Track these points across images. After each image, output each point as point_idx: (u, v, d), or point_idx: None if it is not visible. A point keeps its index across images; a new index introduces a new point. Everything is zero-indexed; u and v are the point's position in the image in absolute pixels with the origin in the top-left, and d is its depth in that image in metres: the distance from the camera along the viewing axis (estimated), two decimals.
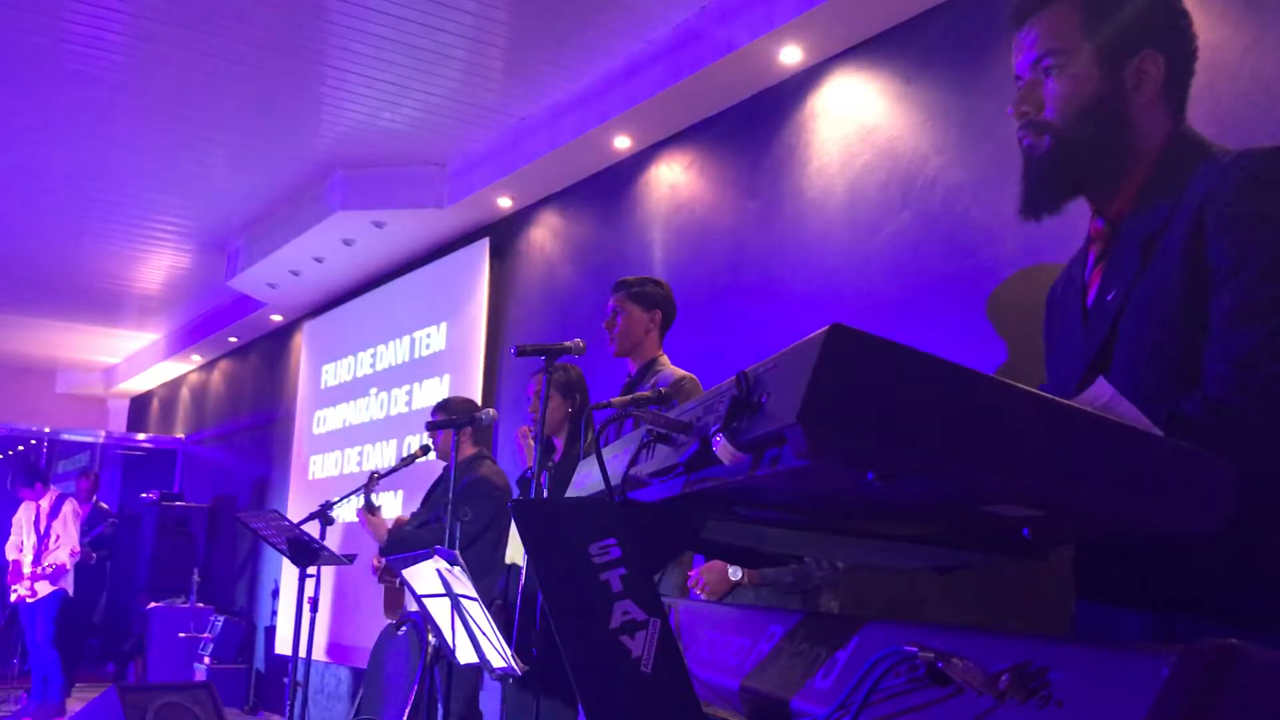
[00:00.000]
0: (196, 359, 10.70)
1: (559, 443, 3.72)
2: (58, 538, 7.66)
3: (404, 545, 4.16)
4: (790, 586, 2.82)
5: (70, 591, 7.67)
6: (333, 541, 4.49)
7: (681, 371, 3.31)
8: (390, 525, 4.31)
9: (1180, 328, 1.16)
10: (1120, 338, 1.21)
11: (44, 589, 7.58)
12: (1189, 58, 1.32)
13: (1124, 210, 1.29)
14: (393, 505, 6.48)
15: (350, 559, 4.47)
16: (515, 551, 3.67)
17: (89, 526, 8.93)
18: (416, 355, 6.75)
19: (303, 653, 4.16)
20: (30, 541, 7.70)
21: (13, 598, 7.71)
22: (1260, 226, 1.14)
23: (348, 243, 6.69)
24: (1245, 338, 1.10)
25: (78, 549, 7.68)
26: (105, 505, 9.74)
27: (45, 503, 7.84)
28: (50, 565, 7.60)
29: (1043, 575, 2.27)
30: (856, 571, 3.10)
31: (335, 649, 7.02)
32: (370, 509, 4.13)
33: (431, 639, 3.33)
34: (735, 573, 2.85)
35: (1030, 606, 2.74)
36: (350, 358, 7.62)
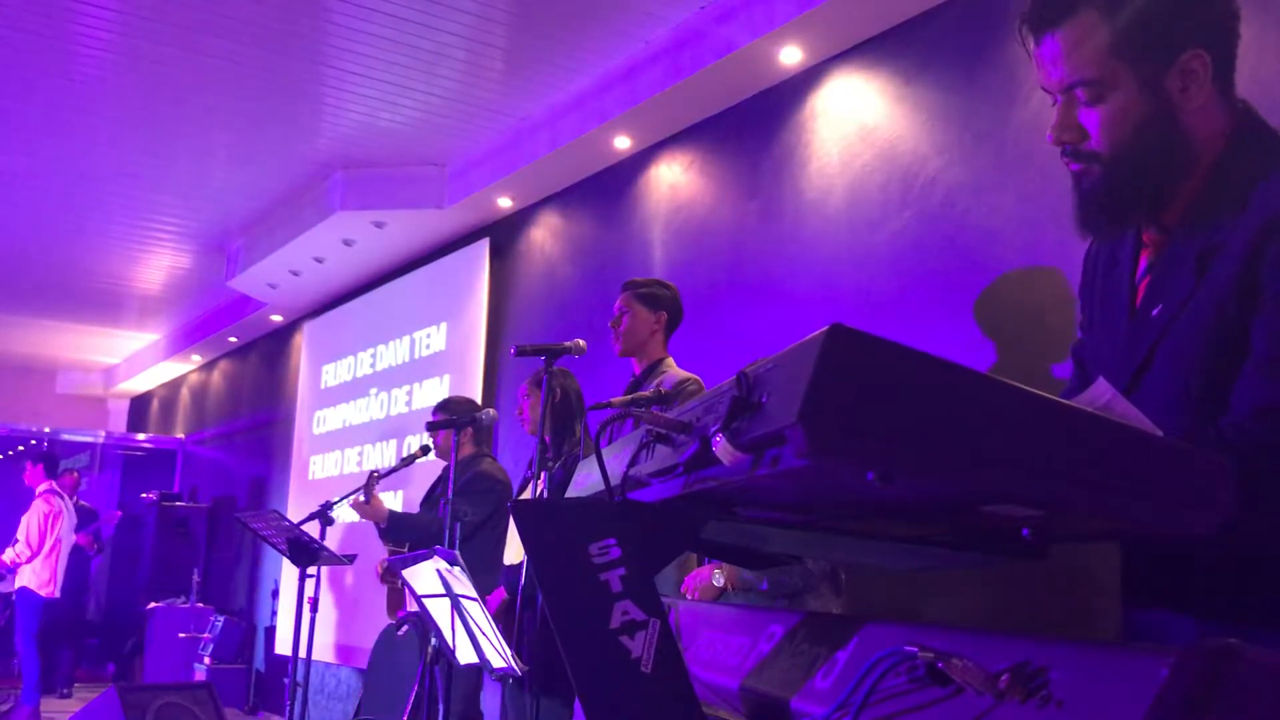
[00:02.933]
0: (196, 359, 10.70)
1: (548, 439, 3.72)
2: (15, 539, 7.71)
3: (406, 527, 4.16)
4: (769, 594, 2.82)
5: (45, 591, 7.64)
6: (333, 541, 4.49)
7: (686, 373, 3.31)
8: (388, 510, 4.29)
9: (1221, 356, 1.10)
10: (1159, 356, 1.15)
11: (13, 583, 7.63)
12: (1233, 38, 1.26)
13: (1178, 218, 1.23)
14: (393, 505, 6.47)
15: (350, 559, 4.47)
16: (515, 551, 3.67)
17: (79, 525, 8.93)
18: (416, 355, 6.75)
19: (303, 653, 4.16)
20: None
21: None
22: None
23: (348, 243, 6.69)
24: (1272, 389, 1.06)
25: (27, 554, 7.64)
26: (86, 504, 9.75)
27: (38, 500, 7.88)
28: (10, 560, 7.64)
29: (1086, 579, 2.26)
30: (856, 571, 3.10)
31: (336, 649, 7.02)
32: (368, 498, 4.12)
33: (432, 639, 3.34)
34: (718, 579, 2.86)
35: (1073, 611, 2.74)
36: (350, 358, 7.62)
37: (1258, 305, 1.08)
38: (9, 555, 7.65)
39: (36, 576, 7.64)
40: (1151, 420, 0.92)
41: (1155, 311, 1.18)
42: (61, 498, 8.07)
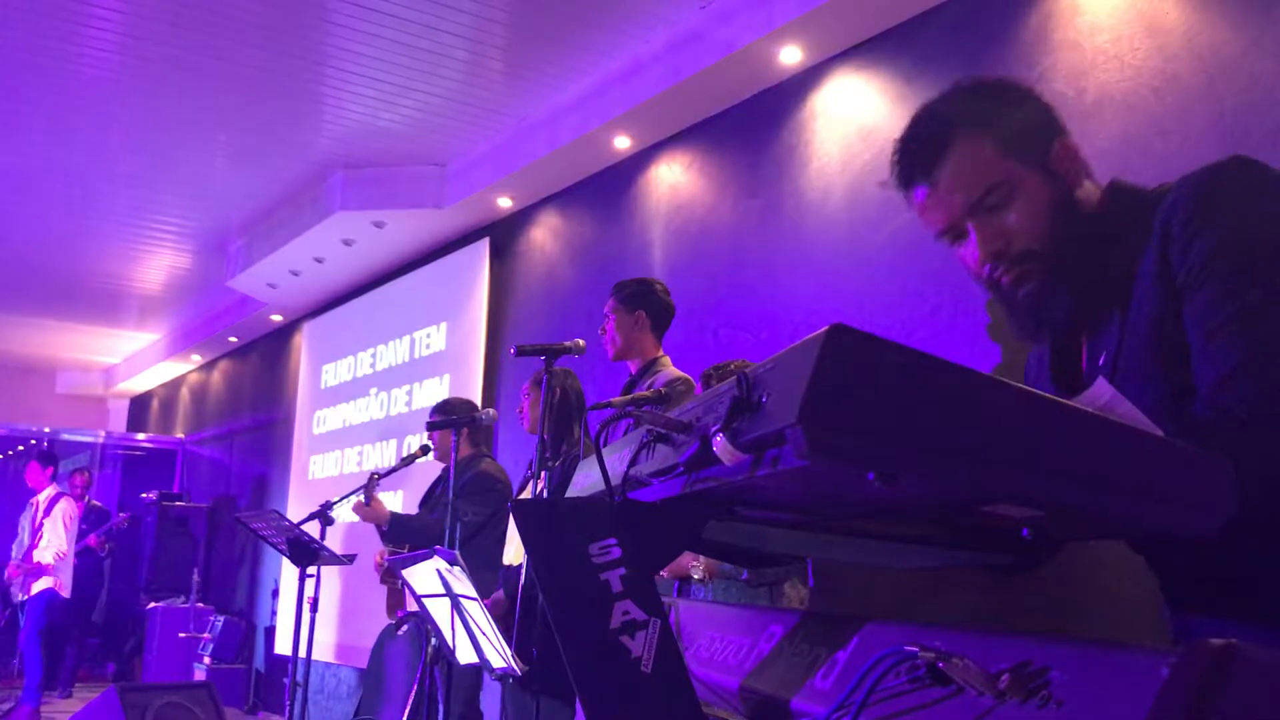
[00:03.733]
0: (196, 359, 10.70)
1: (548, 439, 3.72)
2: (46, 537, 7.68)
3: (407, 530, 4.16)
4: (751, 583, 2.83)
5: (64, 592, 7.66)
6: (333, 541, 4.49)
7: (678, 373, 3.31)
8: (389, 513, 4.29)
9: (1171, 380, 1.15)
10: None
11: (34, 587, 7.60)
12: (1063, 128, 1.33)
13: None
14: (393, 505, 6.47)
15: (350, 559, 4.47)
16: (515, 552, 3.67)
17: (89, 525, 8.95)
18: (416, 355, 6.76)
19: (303, 653, 4.16)
20: (25, 539, 7.73)
21: (19, 597, 7.73)
22: (1219, 231, 1.13)
23: (348, 243, 6.69)
24: (1219, 362, 1.10)
25: (64, 551, 7.66)
26: (99, 504, 9.76)
27: (43, 499, 7.86)
28: (36, 563, 7.62)
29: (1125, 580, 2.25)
30: (856, 570, 3.10)
31: (336, 649, 7.02)
32: (369, 500, 4.12)
33: (432, 639, 3.33)
34: (697, 572, 2.87)
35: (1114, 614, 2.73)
36: (350, 358, 7.62)
37: (1181, 296, 1.13)
38: (49, 555, 7.62)
39: (63, 576, 7.66)
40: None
41: (1101, 360, 1.23)
42: (71, 500, 8.09)
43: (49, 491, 7.92)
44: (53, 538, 7.65)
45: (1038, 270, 1.27)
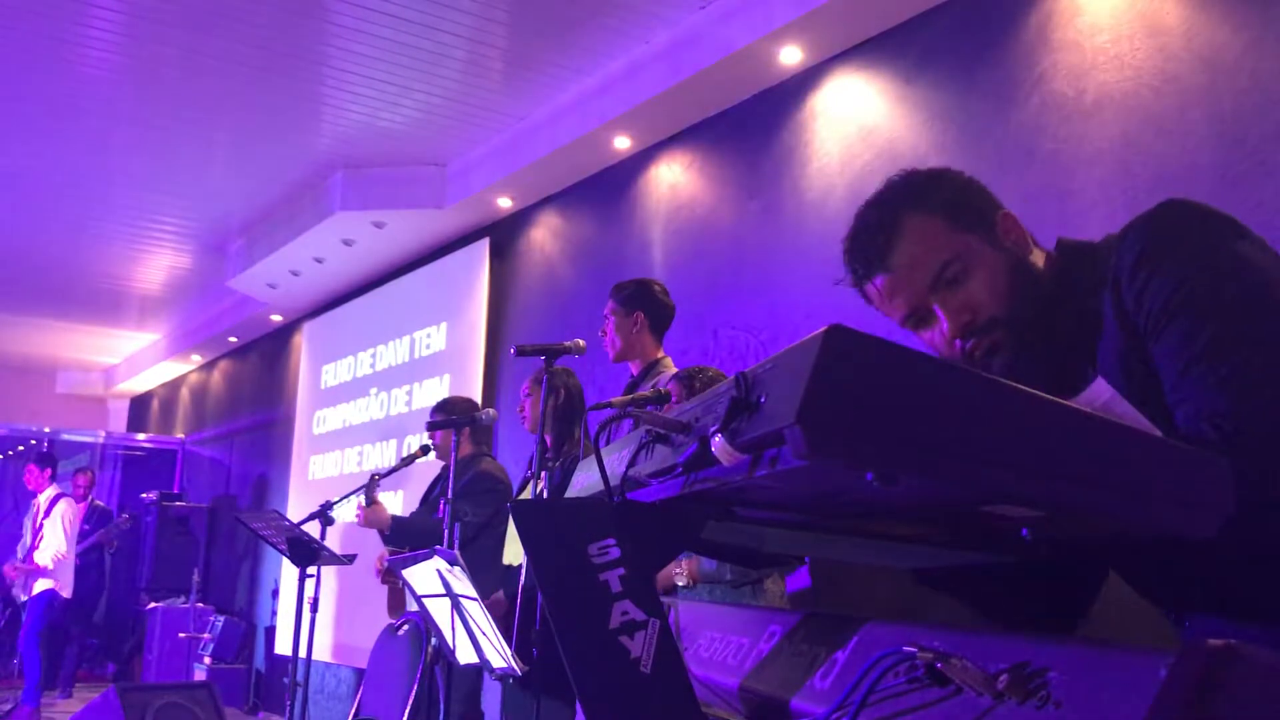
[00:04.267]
0: (196, 359, 10.70)
1: (548, 439, 3.72)
2: (45, 539, 7.69)
3: (409, 533, 4.16)
4: (735, 583, 2.84)
5: (65, 593, 7.67)
6: (333, 541, 4.49)
7: None
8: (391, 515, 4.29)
9: (1139, 390, 1.17)
10: None
11: (34, 588, 7.60)
12: (998, 203, 1.37)
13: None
14: (393, 505, 6.48)
15: (350, 559, 4.47)
16: (516, 552, 3.67)
17: (92, 525, 8.96)
18: (416, 355, 6.76)
19: (303, 653, 4.16)
20: (28, 540, 7.73)
21: (21, 598, 7.73)
22: (1169, 278, 1.16)
23: (348, 243, 6.69)
24: (1195, 398, 1.12)
25: (64, 553, 7.65)
26: (101, 503, 9.76)
27: (44, 500, 7.86)
28: (35, 564, 7.62)
29: None
30: (855, 570, 3.10)
31: (335, 649, 7.02)
32: (370, 502, 4.12)
33: (432, 639, 3.34)
34: (681, 579, 2.88)
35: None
36: (350, 358, 7.62)
37: (1145, 340, 1.16)
38: (48, 557, 7.62)
39: (63, 576, 7.66)
40: None
41: None
42: (71, 500, 8.09)
43: (49, 492, 7.92)
44: (52, 539, 7.66)
45: (1006, 339, 1.30)
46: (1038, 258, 1.34)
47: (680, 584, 2.88)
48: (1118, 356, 1.20)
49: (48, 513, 7.78)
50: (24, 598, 7.67)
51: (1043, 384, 1.29)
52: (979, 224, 1.31)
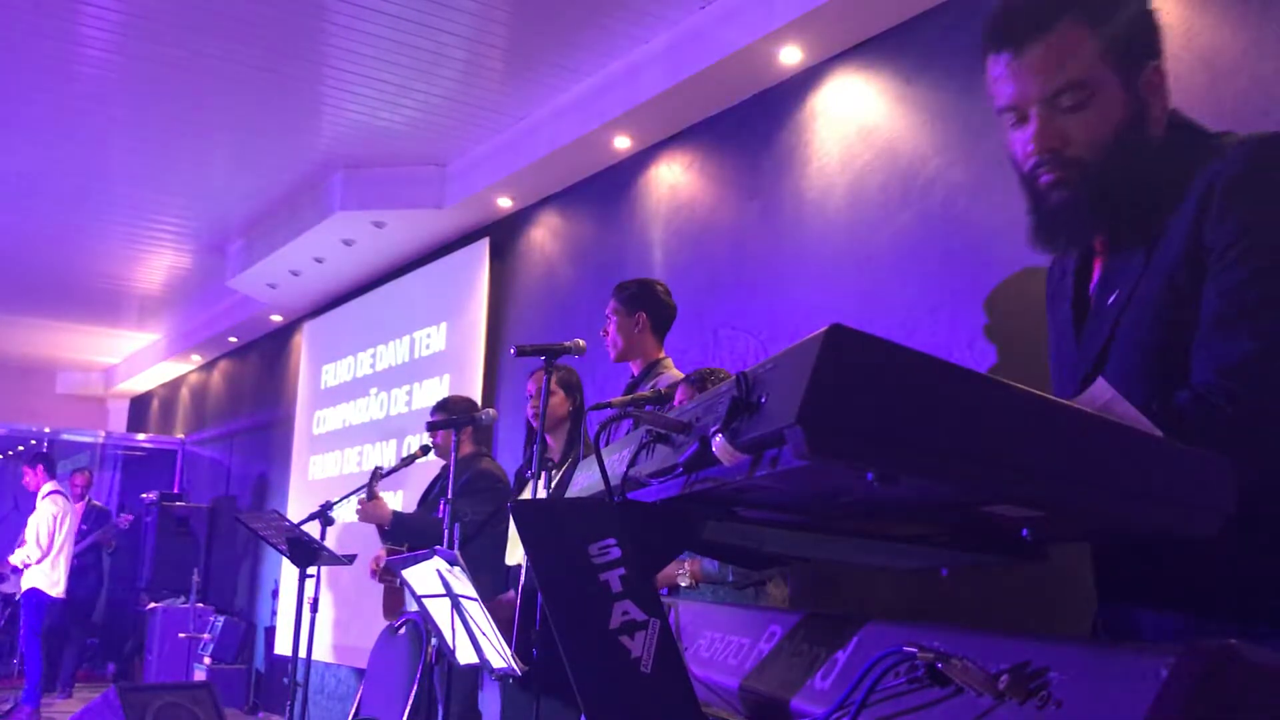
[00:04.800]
0: (196, 359, 10.70)
1: (552, 441, 3.72)
2: (25, 537, 7.71)
3: (408, 530, 4.16)
4: (738, 584, 2.84)
5: (55, 592, 7.65)
6: (333, 541, 4.49)
7: (681, 375, 3.31)
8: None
9: (1174, 325, 1.15)
10: (1117, 339, 1.20)
11: (23, 585, 7.62)
12: (1161, 52, 1.30)
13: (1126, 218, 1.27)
14: (393, 505, 6.47)
15: (350, 559, 4.47)
16: (515, 552, 3.67)
17: (90, 526, 8.95)
18: (416, 355, 6.75)
19: (303, 653, 4.16)
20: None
21: (17, 595, 7.75)
22: (1258, 217, 1.12)
23: (348, 243, 6.69)
24: (1234, 346, 1.09)
25: (42, 553, 7.63)
26: (99, 504, 9.76)
27: (39, 497, 7.88)
28: (8, 562, 7.65)
29: (1059, 577, 2.25)
30: (854, 570, 3.11)
31: (335, 649, 7.02)
32: (371, 496, 4.12)
33: (432, 639, 3.33)
34: (684, 579, 2.88)
35: (1045, 609, 2.74)
36: (350, 358, 7.62)
37: (1205, 271, 1.12)
38: (19, 557, 7.64)
39: (47, 577, 7.65)
40: (1119, 386, 0.94)
41: (1111, 299, 1.22)
42: (66, 498, 8.08)
43: (44, 489, 7.94)
44: (30, 539, 7.67)
45: (1078, 182, 1.25)
46: (1158, 118, 1.28)
47: (683, 584, 2.88)
48: (1171, 264, 1.15)
49: (33, 510, 7.82)
50: (18, 595, 7.70)
51: (1084, 238, 1.26)
52: (1128, 61, 1.25)
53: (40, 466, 8.01)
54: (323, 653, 6.92)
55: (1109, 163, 1.23)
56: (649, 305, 3.44)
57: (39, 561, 7.61)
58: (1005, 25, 1.27)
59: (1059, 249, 1.33)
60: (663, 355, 3.47)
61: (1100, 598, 1.31)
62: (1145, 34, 1.28)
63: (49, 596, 7.63)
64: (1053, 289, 1.40)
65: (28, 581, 7.62)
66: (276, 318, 8.82)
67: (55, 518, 7.80)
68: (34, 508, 7.92)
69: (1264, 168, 1.15)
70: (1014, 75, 1.26)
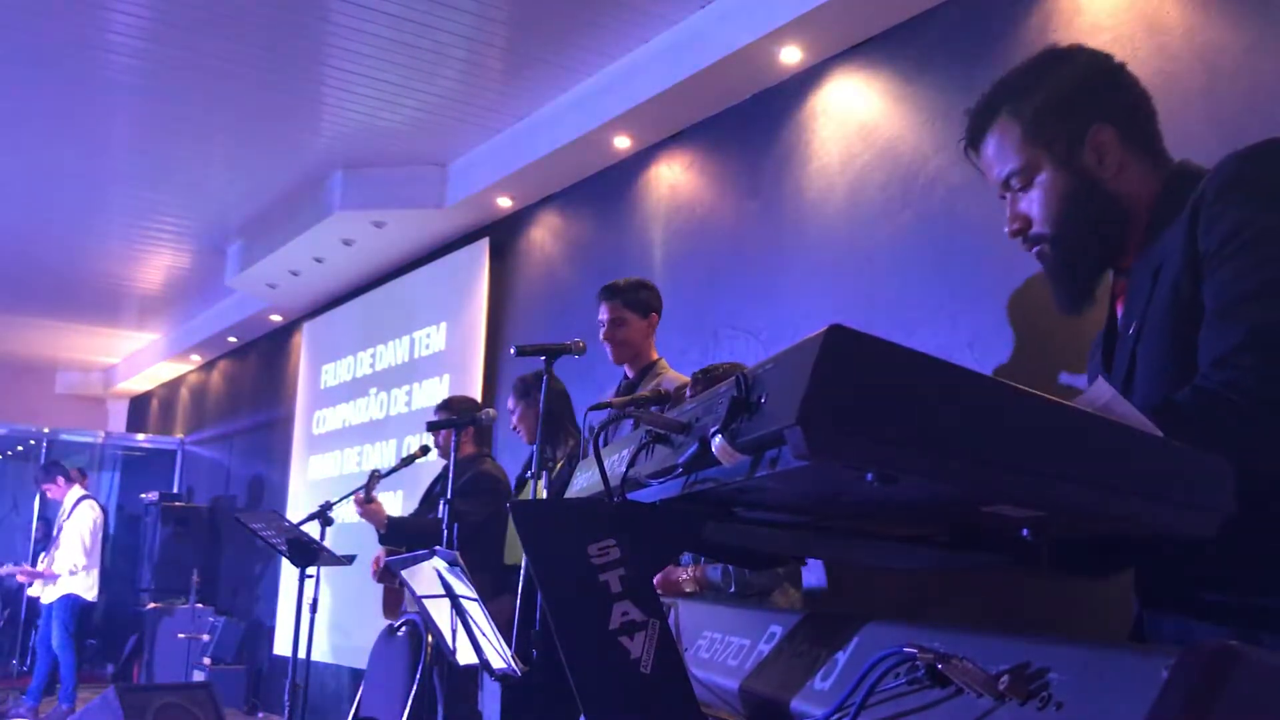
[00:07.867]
0: (196, 359, 10.70)
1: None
2: (63, 545, 7.69)
3: (405, 532, 4.16)
4: (740, 595, 2.84)
5: (90, 596, 7.69)
6: (333, 541, 4.49)
7: (683, 377, 3.32)
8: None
9: (1185, 339, 1.18)
10: (1138, 362, 1.25)
11: (51, 593, 7.59)
12: (1139, 105, 1.37)
13: (1133, 258, 1.35)
14: (393, 505, 6.47)
15: (350, 559, 4.47)
16: (515, 552, 3.67)
17: None
18: (416, 355, 6.75)
19: (302, 653, 4.16)
20: (55, 543, 7.76)
21: (44, 600, 7.73)
22: (1249, 213, 1.15)
23: (348, 243, 6.69)
24: (1228, 336, 1.12)
25: (82, 564, 7.63)
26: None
27: (68, 501, 7.88)
28: (49, 570, 7.62)
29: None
30: (856, 571, 3.10)
31: (335, 649, 7.02)
32: (368, 499, 4.12)
33: (431, 639, 3.33)
34: (688, 586, 2.88)
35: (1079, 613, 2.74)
36: (350, 358, 7.62)
37: (1202, 271, 1.18)
38: (62, 565, 7.62)
39: (83, 581, 7.66)
40: (1143, 405, 0.96)
41: (1130, 329, 1.28)
42: (97, 502, 8.09)
43: (73, 494, 7.95)
44: (69, 547, 7.66)
45: (1051, 249, 1.37)
46: (1130, 178, 1.36)
47: (687, 590, 2.87)
48: (1175, 274, 1.21)
49: (70, 514, 7.81)
50: (44, 600, 7.68)
51: (1075, 305, 1.35)
52: (1058, 140, 1.35)
53: (59, 477, 8.01)
54: (322, 653, 6.92)
55: (1065, 229, 1.35)
56: (659, 307, 3.46)
57: (86, 569, 7.63)
58: (968, 129, 1.44)
59: (1077, 311, 1.43)
60: (658, 357, 3.48)
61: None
62: (1067, 107, 1.37)
63: (85, 600, 7.65)
64: (1093, 351, 1.50)
65: (65, 587, 7.60)
66: (276, 318, 8.82)
67: (96, 523, 7.83)
68: (39, 512, 7.89)
69: (1254, 167, 1.19)
70: (984, 167, 1.43)
